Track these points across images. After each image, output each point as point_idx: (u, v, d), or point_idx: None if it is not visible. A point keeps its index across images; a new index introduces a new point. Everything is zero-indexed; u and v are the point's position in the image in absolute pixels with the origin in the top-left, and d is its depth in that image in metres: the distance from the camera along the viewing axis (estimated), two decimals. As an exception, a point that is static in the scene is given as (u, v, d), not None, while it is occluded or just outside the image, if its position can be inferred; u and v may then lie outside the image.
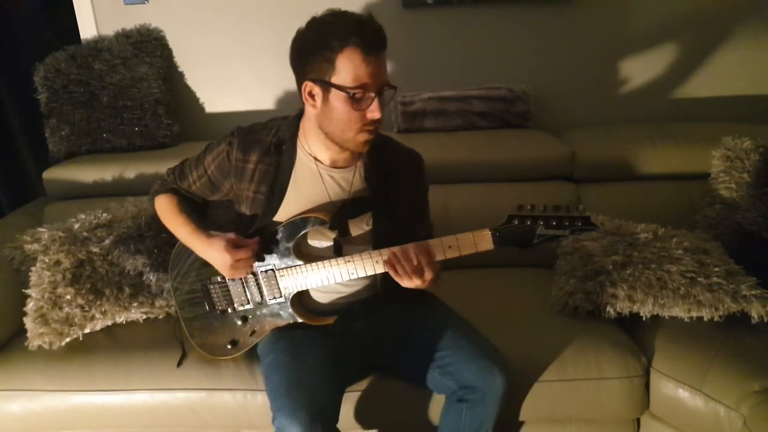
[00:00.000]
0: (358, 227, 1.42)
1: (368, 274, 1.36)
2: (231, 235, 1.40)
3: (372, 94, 1.24)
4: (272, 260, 1.43)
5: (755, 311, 1.51)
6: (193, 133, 2.41)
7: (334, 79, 1.23)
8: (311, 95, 1.28)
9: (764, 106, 2.35)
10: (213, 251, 1.39)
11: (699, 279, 1.55)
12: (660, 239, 1.67)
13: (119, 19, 2.32)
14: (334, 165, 1.40)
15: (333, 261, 1.37)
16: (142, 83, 2.24)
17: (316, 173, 1.40)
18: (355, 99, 1.23)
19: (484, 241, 1.29)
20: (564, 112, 2.40)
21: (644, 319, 1.60)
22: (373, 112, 1.25)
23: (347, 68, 1.21)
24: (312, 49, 1.23)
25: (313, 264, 1.39)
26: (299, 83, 1.30)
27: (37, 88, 2.22)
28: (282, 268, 1.42)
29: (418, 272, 1.28)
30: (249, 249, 1.38)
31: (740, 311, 1.52)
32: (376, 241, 1.41)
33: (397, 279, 1.31)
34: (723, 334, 1.53)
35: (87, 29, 2.35)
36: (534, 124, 2.31)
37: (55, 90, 2.21)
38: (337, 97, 1.24)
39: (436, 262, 1.31)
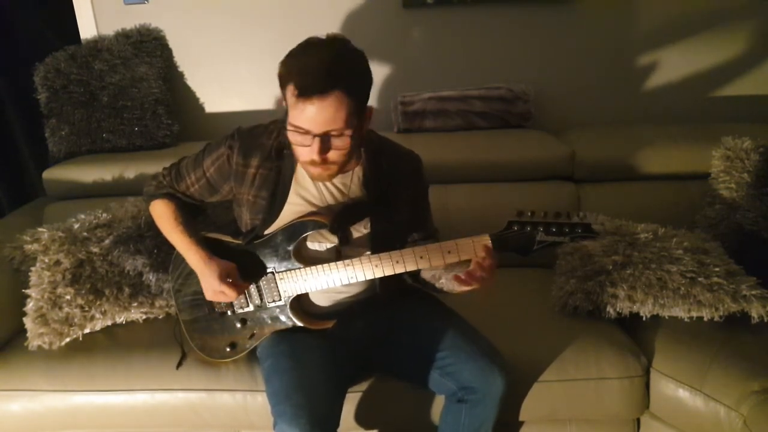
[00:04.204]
0: (357, 230, 1.42)
1: (367, 278, 1.36)
2: (231, 266, 1.42)
3: (308, 136, 1.21)
4: (272, 264, 1.43)
5: (755, 311, 1.51)
6: (193, 133, 2.41)
7: (289, 112, 1.24)
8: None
9: (764, 106, 2.35)
10: (207, 270, 1.40)
11: (699, 279, 1.55)
12: (660, 239, 1.67)
13: (119, 19, 2.32)
14: None
15: (333, 265, 1.36)
16: (142, 83, 2.24)
17: None
18: (296, 136, 1.23)
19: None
20: (564, 112, 2.40)
21: (644, 319, 1.60)
22: (303, 155, 1.25)
23: (291, 109, 1.21)
24: (281, 84, 1.24)
25: (313, 267, 1.38)
26: None
27: (37, 88, 2.22)
28: (282, 272, 1.42)
29: (488, 269, 1.26)
30: (237, 290, 1.40)
31: (740, 311, 1.52)
32: (374, 245, 1.41)
33: (466, 284, 1.28)
34: (723, 334, 1.53)
35: (87, 29, 2.35)
36: (534, 124, 2.30)
37: (55, 90, 2.20)
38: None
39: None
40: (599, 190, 2.09)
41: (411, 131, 2.27)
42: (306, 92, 1.16)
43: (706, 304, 1.53)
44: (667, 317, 1.59)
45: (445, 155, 2.08)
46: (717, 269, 1.57)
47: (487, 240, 1.27)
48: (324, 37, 1.23)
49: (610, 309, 1.61)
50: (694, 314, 1.55)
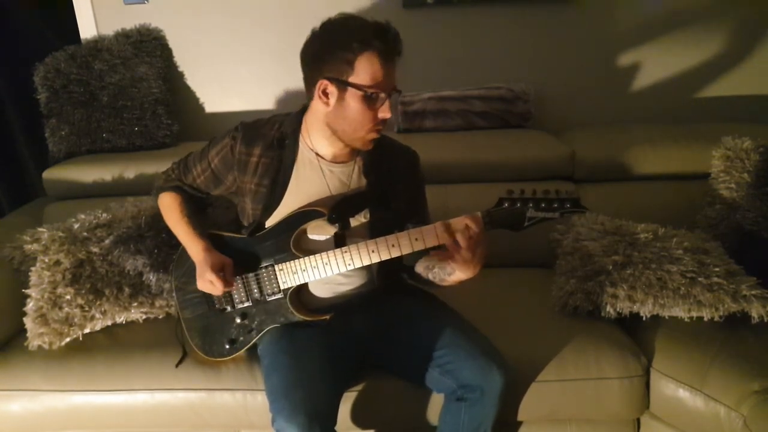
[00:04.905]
0: (356, 220, 1.44)
1: (365, 264, 1.37)
2: (228, 261, 1.44)
3: (384, 95, 1.30)
4: (272, 256, 1.44)
5: (755, 311, 1.51)
6: (193, 133, 2.41)
7: (352, 79, 1.27)
8: (325, 93, 1.32)
9: (764, 106, 2.35)
10: (204, 260, 1.43)
11: (699, 279, 1.55)
12: (660, 239, 1.67)
13: (119, 19, 2.32)
14: (334, 160, 1.43)
15: (330, 253, 1.38)
16: (142, 83, 2.24)
17: (317, 167, 1.42)
18: (371, 99, 1.29)
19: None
20: (564, 112, 2.39)
21: (644, 319, 1.60)
22: (385, 112, 1.31)
23: (366, 70, 1.27)
24: (331, 50, 1.28)
25: (311, 257, 1.40)
26: (312, 81, 1.33)
27: (37, 88, 2.22)
28: (281, 263, 1.43)
29: (476, 244, 1.27)
30: (225, 283, 1.41)
31: (740, 311, 1.52)
32: (373, 234, 1.41)
33: (456, 260, 1.29)
34: (723, 334, 1.52)
35: (87, 29, 2.35)
36: (534, 124, 2.30)
37: (55, 90, 2.21)
38: (353, 96, 1.29)
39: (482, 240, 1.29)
40: (599, 190, 2.08)
41: (411, 131, 2.27)
42: (392, 53, 1.29)
43: (706, 304, 1.53)
44: (667, 317, 1.59)
45: (445, 155, 2.08)
46: (717, 269, 1.57)
47: (478, 217, 1.29)
48: (339, 16, 1.32)
49: (610, 309, 1.61)
50: (694, 314, 1.55)
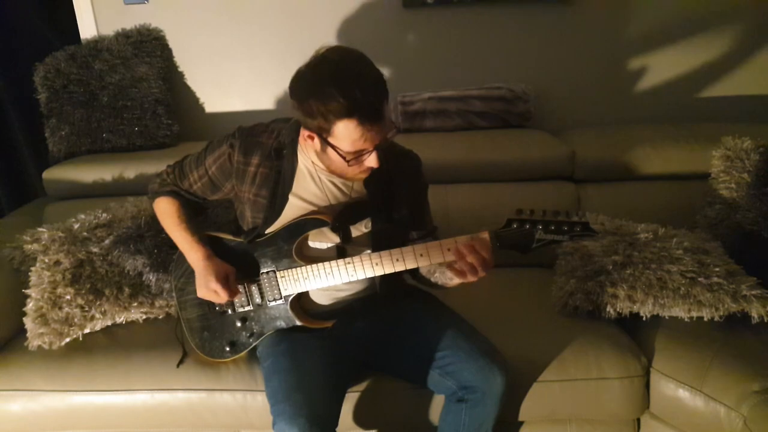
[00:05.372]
0: (358, 229, 1.43)
1: (368, 276, 1.36)
2: (231, 270, 1.43)
3: (373, 150, 1.25)
4: (273, 262, 1.43)
5: (755, 311, 1.51)
6: (193, 133, 2.42)
7: (332, 141, 1.23)
8: (310, 137, 1.28)
9: (764, 106, 2.35)
10: (205, 269, 1.41)
11: (699, 279, 1.55)
12: (660, 239, 1.67)
13: (119, 19, 2.32)
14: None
15: (333, 263, 1.37)
16: (142, 83, 2.24)
17: (317, 178, 1.40)
18: (354, 159, 1.25)
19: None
20: (564, 112, 2.40)
21: (644, 319, 1.60)
22: (372, 163, 1.27)
23: (344, 137, 1.22)
24: (310, 109, 1.21)
25: (314, 266, 1.39)
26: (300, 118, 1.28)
27: (37, 88, 2.22)
28: (283, 270, 1.42)
29: (486, 264, 1.26)
30: (229, 293, 1.40)
31: (740, 311, 1.53)
32: (375, 243, 1.41)
33: (462, 275, 1.28)
34: (723, 334, 1.53)
35: (87, 29, 2.35)
36: (534, 124, 2.30)
37: (55, 90, 2.21)
38: (333, 153, 1.25)
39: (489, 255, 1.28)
40: (599, 190, 2.09)
41: (411, 131, 2.27)
42: (371, 120, 1.20)
43: (706, 304, 1.53)
44: (667, 317, 1.60)
45: (445, 155, 2.08)
46: (717, 269, 1.57)
47: (486, 237, 1.27)
48: (335, 56, 1.22)
49: (610, 309, 1.61)
50: (694, 314, 1.55)
